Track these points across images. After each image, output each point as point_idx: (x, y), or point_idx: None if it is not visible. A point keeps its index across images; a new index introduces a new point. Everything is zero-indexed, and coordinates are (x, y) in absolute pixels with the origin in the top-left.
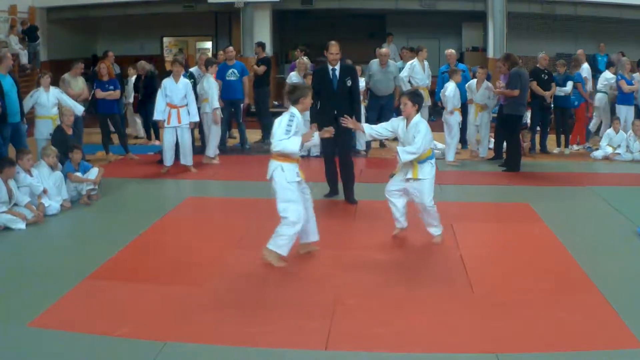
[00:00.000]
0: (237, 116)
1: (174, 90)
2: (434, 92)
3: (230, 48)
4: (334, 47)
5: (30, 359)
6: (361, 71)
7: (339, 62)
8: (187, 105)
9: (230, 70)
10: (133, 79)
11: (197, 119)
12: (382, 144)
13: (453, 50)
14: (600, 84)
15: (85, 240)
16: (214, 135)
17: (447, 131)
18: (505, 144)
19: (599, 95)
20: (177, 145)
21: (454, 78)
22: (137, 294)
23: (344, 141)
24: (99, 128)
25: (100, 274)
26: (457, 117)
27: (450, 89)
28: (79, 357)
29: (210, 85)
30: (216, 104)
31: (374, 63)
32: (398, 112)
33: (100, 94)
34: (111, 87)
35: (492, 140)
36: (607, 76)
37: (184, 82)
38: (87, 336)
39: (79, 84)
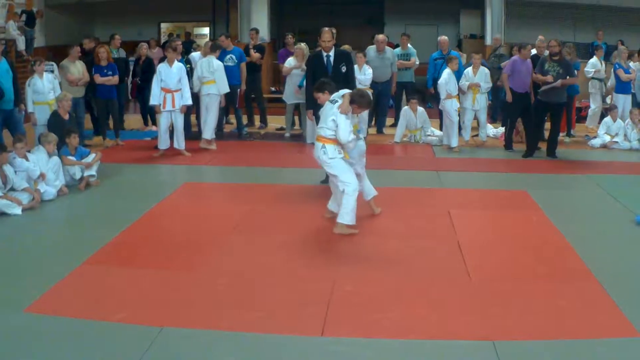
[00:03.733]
0: (234, 102)
1: (168, 75)
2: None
3: (223, 37)
4: (326, 34)
5: (26, 345)
6: (365, 60)
7: (333, 48)
8: (181, 89)
9: (228, 56)
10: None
11: (189, 102)
12: (379, 131)
13: (446, 37)
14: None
15: (81, 225)
16: (212, 118)
17: (445, 118)
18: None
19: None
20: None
21: (450, 65)
22: (134, 279)
23: None
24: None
25: (97, 259)
26: (454, 104)
27: (444, 76)
28: (75, 343)
29: (220, 68)
30: (227, 88)
31: (371, 49)
32: (395, 99)
33: (99, 79)
34: (110, 73)
35: (491, 127)
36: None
37: (178, 66)
38: (84, 321)
39: (78, 68)
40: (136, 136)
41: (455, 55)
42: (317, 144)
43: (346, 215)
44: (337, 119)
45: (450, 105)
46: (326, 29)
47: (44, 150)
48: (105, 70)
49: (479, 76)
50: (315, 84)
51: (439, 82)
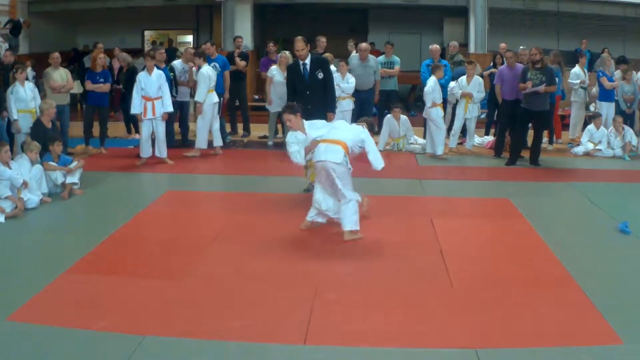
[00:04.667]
0: (219, 110)
1: (148, 83)
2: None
3: (208, 44)
4: (298, 43)
5: (9, 353)
6: (348, 68)
7: (308, 56)
8: (162, 97)
9: (212, 64)
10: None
11: (170, 109)
12: None
13: (437, 46)
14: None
15: (64, 233)
16: (218, 124)
17: (432, 126)
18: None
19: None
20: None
21: (436, 74)
22: (116, 287)
23: None
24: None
25: (80, 267)
26: (439, 112)
27: (429, 84)
28: (58, 351)
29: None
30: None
31: (354, 57)
32: (378, 107)
33: (90, 85)
34: (101, 80)
35: (476, 136)
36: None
37: (158, 73)
38: (66, 330)
39: (62, 75)
40: (119, 144)
41: (443, 64)
42: (336, 147)
43: (349, 221)
44: (367, 142)
45: (436, 114)
46: (299, 37)
47: (27, 159)
48: (97, 77)
49: (473, 85)
50: (285, 106)
51: (425, 90)
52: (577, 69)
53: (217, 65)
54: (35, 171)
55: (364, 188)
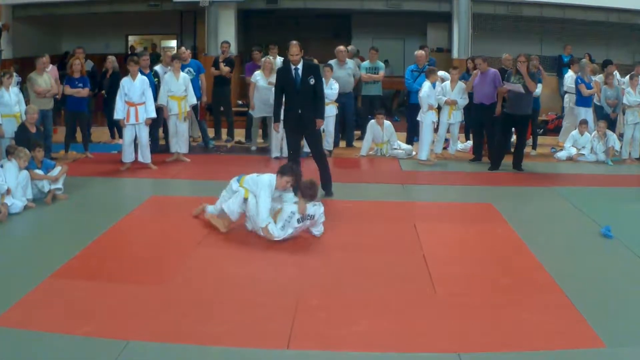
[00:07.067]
0: (196, 114)
1: (131, 89)
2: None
3: (183, 49)
4: (293, 48)
5: None
6: (332, 73)
7: (301, 61)
8: (145, 102)
9: (187, 69)
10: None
11: (153, 115)
12: (349, 144)
13: (423, 52)
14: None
15: (47, 239)
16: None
17: (420, 130)
18: (492, 144)
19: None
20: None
21: (430, 78)
22: (99, 292)
23: (312, 136)
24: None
25: (63, 272)
26: (432, 117)
27: (424, 89)
28: (41, 356)
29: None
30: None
31: (332, 61)
32: (362, 112)
33: (68, 90)
34: (80, 85)
35: (460, 141)
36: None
37: (141, 79)
38: (50, 335)
39: (46, 79)
40: (103, 149)
41: (434, 68)
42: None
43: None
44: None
45: (428, 118)
46: (294, 42)
47: (15, 164)
48: (76, 82)
49: (456, 91)
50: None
51: (421, 95)
52: (571, 73)
53: (192, 69)
54: (22, 177)
55: (348, 193)
